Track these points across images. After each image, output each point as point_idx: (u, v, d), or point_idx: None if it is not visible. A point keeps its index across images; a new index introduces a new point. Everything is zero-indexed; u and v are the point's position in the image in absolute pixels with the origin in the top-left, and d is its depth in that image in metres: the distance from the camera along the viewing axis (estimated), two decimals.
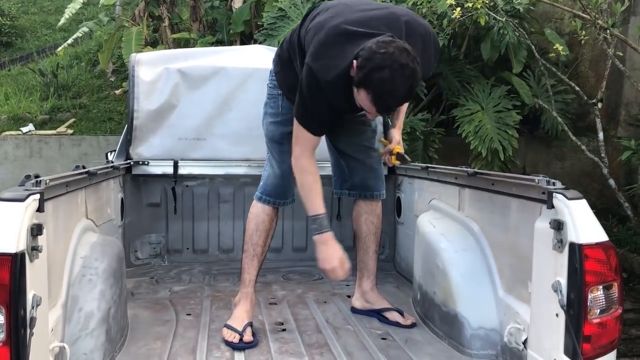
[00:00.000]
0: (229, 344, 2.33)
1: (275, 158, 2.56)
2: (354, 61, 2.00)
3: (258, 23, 6.73)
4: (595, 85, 5.93)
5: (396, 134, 2.76)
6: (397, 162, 2.80)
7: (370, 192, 2.73)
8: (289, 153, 2.35)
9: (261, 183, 2.63)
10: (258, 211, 2.60)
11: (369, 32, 2.05)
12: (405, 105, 2.78)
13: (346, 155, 2.69)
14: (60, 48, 8.23)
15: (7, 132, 7.56)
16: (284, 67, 2.45)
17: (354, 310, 2.78)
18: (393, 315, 2.65)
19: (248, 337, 2.35)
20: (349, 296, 3.03)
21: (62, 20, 8.22)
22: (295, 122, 2.25)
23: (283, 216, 3.24)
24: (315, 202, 2.29)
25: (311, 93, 2.14)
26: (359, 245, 2.77)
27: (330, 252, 2.24)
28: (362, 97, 2.02)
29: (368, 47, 1.96)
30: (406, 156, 2.80)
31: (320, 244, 2.26)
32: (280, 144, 2.51)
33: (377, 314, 2.69)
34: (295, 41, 2.31)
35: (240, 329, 2.38)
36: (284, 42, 2.48)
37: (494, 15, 4.73)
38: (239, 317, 2.46)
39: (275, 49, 2.81)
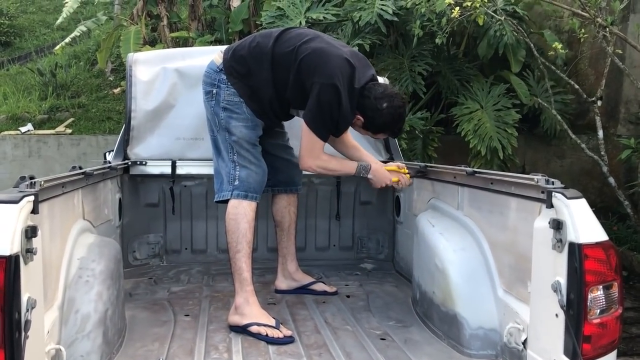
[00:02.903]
0: (273, 340, 2.36)
1: (251, 158, 2.69)
2: (379, 102, 2.54)
3: (257, 22, 6.72)
4: (594, 83, 5.92)
5: (370, 158, 2.95)
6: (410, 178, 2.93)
7: (295, 186, 3.07)
8: (260, 152, 2.74)
9: (237, 183, 2.65)
10: (246, 210, 2.63)
11: (358, 66, 2.58)
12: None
13: (273, 155, 2.94)
14: (57, 47, 8.19)
15: (6, 132, 7.55)
16: (241, 78, 2.66)
17: (280, 291, 3.07)
18: (320, 286, 3.07)
19: (287, 331, 2.43)
20: (348, 296, 3.02)
21: (60, 19, 8.19)
22: (310, 134, 2.59)
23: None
24: (348, 165, 2.80)
25: (332, 107, 2.52)
26: (282, 234, 3.08)
27: (382, 173, 2.80)
28: (379, 124, 2.62)
29: (383, 91, 2.58)
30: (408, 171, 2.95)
31: (373, 176, 2.79)
32: (255, 145, 2.72)
33: (305, 289, 3.05)
34: (267, 56, 2.61)
35: (273, 324, 2.44)
36: (234, 55, 2.68)
37: (492, 14, 4.72)
38: (262, 314, 2.52)
39: None
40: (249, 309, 2.51)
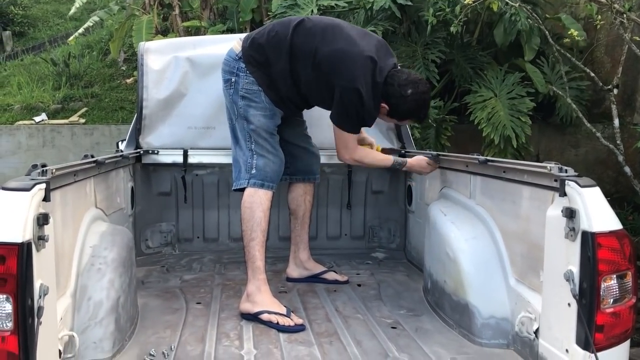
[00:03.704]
0: (284, 328, 2.37)
1: (268, 147, 2.69)
2: (404, 89, 2.55)
3: (268, 10, 6.68)
4: (611, 70, 5.82)
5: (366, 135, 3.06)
6: None
7: (313, 175, 3.09)
8: (278, 141, 2.76)
9: (254, 172, 2.65)
10: (262, 199, 2.63)
11: (380, 56, 2.57)
12: None
13: (292, 144, 2.96)
14: (71, 37, 8.22)
15: (21, 122, 7.62)
16: (259, 67, 2.65)
17: (292, 279, 3.09)
18: (331, 275, 3.08)
19: (297, 319, 2.44)
20: (359, 285, 3.03)
21: (73, 10, 8.22)
22: (340, 131, 2.66)
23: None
24: (383, 160, 2.87)
25: (356, 108, 2.55)
26: (297, 222, 3.10)
27: (419, 163, 2.87)
28: (402, 111, 2.65)
29: (407, 77, 2.58)
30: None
31: (412, 167, 2.88)
32: (273, 134, 2.73)
33: (317, 278, 3.06)
34: (286, 46, 2.59)
35: (284, 312, 2.45)
36: (252, 43, 2.67)
37: (507, 0, 4.65)
38: (273, 302, 2.53)
39: None
40: (261, 297, 2.52)
